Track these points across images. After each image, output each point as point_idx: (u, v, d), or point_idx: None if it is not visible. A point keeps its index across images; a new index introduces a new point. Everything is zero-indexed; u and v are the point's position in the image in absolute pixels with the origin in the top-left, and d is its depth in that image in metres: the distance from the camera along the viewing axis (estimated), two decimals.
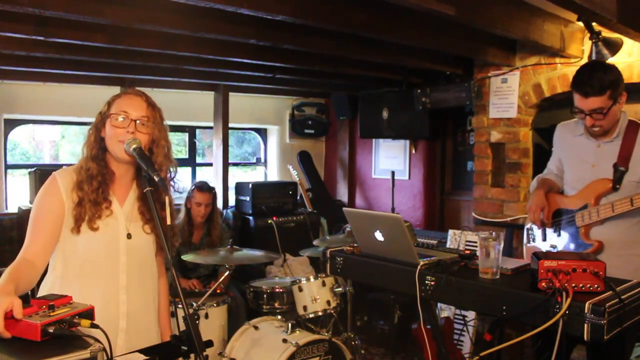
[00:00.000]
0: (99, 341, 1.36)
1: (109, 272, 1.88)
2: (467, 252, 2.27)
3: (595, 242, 2.49)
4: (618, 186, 2.44)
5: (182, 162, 5.81)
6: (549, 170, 2.88)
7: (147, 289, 2.00)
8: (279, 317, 3.51)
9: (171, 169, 2.01)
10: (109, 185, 1.90)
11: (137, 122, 1.86)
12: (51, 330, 1.34)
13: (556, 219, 2.66)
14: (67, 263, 1.86)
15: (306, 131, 6.21)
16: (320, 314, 3.40)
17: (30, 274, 1.73)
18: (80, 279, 1.85)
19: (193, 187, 4.17)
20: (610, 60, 3.42)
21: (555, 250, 2.62)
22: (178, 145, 5.97)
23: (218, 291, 3.65)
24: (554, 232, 2.67)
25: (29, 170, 4.30)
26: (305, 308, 3.40)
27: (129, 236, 1.91)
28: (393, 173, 4.88)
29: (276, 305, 3.59)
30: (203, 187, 4.14)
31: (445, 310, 3.96)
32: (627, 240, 2.49)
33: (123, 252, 1.90)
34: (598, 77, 2.36)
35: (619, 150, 2.47)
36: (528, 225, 2.83)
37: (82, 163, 1.90)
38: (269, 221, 4.95)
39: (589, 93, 2.36)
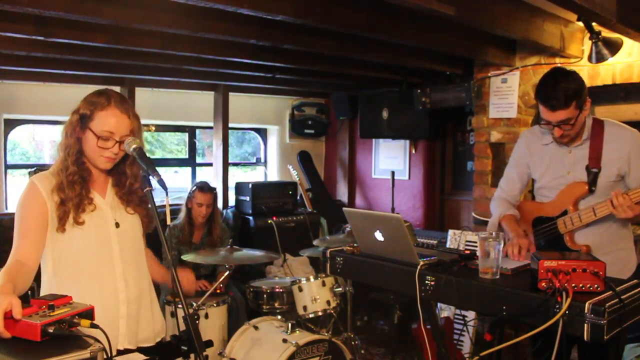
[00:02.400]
0: (99, 341, 1.36)
1: (103, 263, 1.91)
2: (467, 252, 2.27)
3: (583, 247, 2.45)
4: (594, 188, 2.43)
5: (182, 162, 5.81)
6: (503, 199, 2.72)
7: (143, 273, 2.05)
8: (279, 317, 3.51)
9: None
10: (89, 185, 1.93)
11: (122, 142, 1.88)
12: (51, 330, 1.34)
13: (537, 228, 2.63)
14: (59, 262, 1.88)
15: (306, 131, 6.20)
16: (320, 314, 3.40)
17: (25, 274, 1.74)
18: (76, 275, 1.87)
19: (194, 187, 4.17)
20: (610, 60, 3.42)
21: None
22: (178, 145, 5.97)
23: (218, 291, 3.65)
24: (537, 241, 2.63)
25: (29, 170, 4.30)
26: (305, 308, 3.40)
27: (117, 225, 1.95)
28: (393, 173, 4.88)
29: (276, 305, 3.59)
30: (204, 188, 4.15)
31: (445, 310, 3.96)
32: (612, 238, 2.48)
33: (115, 241, 1.93)
34: (562, 88, 2.31)
35: (589, 153, 2.46)
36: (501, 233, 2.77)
37: (61, 165, 1.90)
38: (269, 221, 4.95)
39: (555, 106, 2.32)
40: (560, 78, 2.37)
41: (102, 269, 1.91)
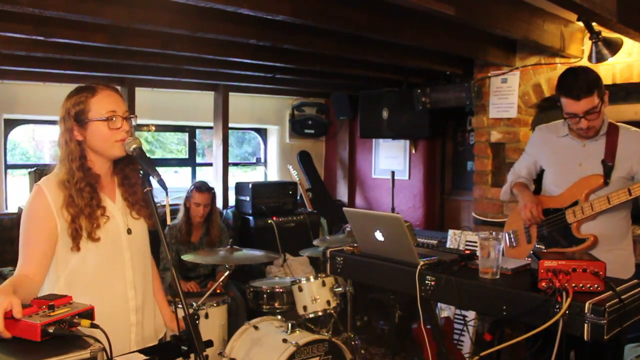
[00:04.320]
0: (99, 341, 1.36)
1: (116, 273, 1.89)
2: (467, 252, 2.27)
3: (591, 236, 2.51)
4: (608, 180, 2.49)
5: (182, 162, 5.81)
6: (516, 173, 2.90)
7: (148, 278, 2.03)
8: (279, 317, 3.50)
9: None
10: (98, 190, 1.87)
11: (125, 119, 1.85)
12: (51, 330, 1.34)
13: (543, 219, 2.67)
14: (72, 278, 1.83)
15: (306, 131, 6.21)
16: (320, 314, 3.40)
17: (30, 286, 1.70)
18: (89, 288, 1.83)
19: (192, 187, 4.17)
20: (611, 60, 3.42)
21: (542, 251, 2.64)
22: (178, 145, 5.97)
23: (218, 291, 3.65)
24: (540, 232, 2.68)
25: (29, 170, 4.30)
26: (305, 308, 3.40)
27: (129, 231, 1.92)
28: (393, 173, 4.88)
29: (276, 305, 3.59)
30: (202, 188, 4.14)
31: (445, 310, 3.96)
32: (616, 234, 2.54)
33: (127, 249, 1.91)
34: (583, 78, 2.43)
35: (605, 148, 2.53)
36: (509, 231, 2.84)
37: (66, 176, 1.82)
38: (269, 221, 4.95)
39: (580, 95, 2.41)
40: (578, 71, 2.51)
41: (115, 280, 1.88)
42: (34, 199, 1.81)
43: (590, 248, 2.50)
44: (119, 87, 4.53)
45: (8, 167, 4.68)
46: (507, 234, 2.84)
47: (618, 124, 2.58)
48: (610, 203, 2.44)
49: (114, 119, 1.83)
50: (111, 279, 1.87)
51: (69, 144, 1.84)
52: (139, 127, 4.93)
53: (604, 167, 2.50)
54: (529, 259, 2.27)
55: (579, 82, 2.42)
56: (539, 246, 2.68)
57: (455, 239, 4.16)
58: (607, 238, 2.51)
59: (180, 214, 4.15)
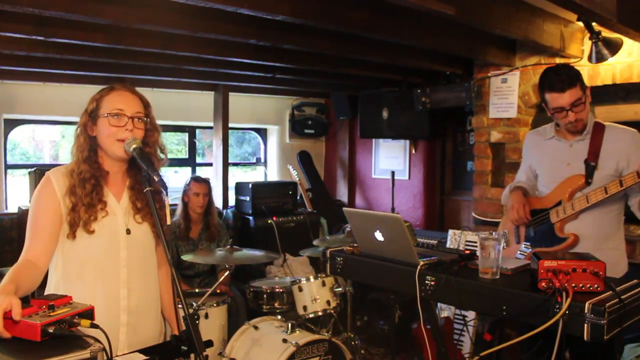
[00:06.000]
0: (99, 341, 1.36)
1: (108, 269, 1.89)
2: (467, 252, 2.27)
3: (571, 235, 2.52)
4: (590, 180, 2.51)
5: (182, 162, 5.81)
6: (517, 179, 2.92)
7: (149, 282, 2.01)
8: (279, 317, 3.51)
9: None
10: (102, 186, 1.90)
11: (134, 119, 1.87)
12: (51, 330, 1.34)
13: (530, 219, 2.69)
14: (67, 264, 1.87)
15: (306, 131, 6.21)
16: (320, 314, 3.40)
17: (33, 274, 1.73)
18: (81, 278, 1.86)
19: (189, 180, 4.21)
20: (611, 60, 3.42)
21: (529, 251, 2.65)
22: (178, 145, 5.97)
23: (218, 291, 3.66)
24: (527, 232, 2.70)
25: (29, 170, 4.30)
26: (305, 308, 3.40)
27: (128, 231, 1.92)
28: (393, 173, 4.88)
29: (276, 305, 3.59)
30: (199, 178, 4.21)
31: (445, 310, 3.96)
32: (602, 233, 2.54)
33: (123, 248, 1.91)
34: (564, 72, 2.47)
35: (589, 147, 2.55)
36: (501, 232, 2.85)
37: (74, 166, 1.88)
38: (269, 221, 4.95)
39: (564, 87, 2.44)
40: (559, 66, 2.58)
41: (106, 276, 1.88)
42: (41, 186, 1.87)
43: (571, 247, 2.51)
44: None
45: (8, 167, 4.67)
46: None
47: (605, 123, 2.59)
48: (589, 202, 2.45)
49: (119, 116, 1.85)
50: (102, 274, 1.88)
51: (80, 137, 1.91)
52: None
53: (586, 167, 2.52)
54: (527, 259, 2.28)
55: (560, 75, 2.45)
56: (525, 246, 2.69)
57: (455, 239, 4.16)
58: (596, 237, 2.51)
59: (178, 210, 4.16)
